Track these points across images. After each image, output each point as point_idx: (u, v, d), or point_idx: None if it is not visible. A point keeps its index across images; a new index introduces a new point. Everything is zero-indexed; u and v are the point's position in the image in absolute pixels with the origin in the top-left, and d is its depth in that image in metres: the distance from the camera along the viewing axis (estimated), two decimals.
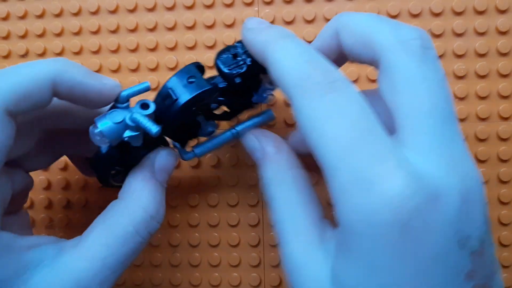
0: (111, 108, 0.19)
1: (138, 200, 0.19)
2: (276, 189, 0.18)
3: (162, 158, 0.21)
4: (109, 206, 0.19)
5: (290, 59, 0.16)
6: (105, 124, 0.18)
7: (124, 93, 0.19)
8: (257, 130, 0.21)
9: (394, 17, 0.25)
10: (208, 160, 0.26)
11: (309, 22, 0.25)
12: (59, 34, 0.27)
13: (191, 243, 0.26)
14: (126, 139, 0.18)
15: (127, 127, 0.18)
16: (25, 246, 0.17)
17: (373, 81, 0.25)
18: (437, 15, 0.25)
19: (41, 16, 0.27)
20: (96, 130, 0.18)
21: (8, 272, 0.17)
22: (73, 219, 0.27)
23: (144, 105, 0.19)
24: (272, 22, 0.25)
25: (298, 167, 0.19)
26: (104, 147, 0.20)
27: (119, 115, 0.18)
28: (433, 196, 0.13)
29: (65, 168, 0.27)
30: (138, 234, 0.19)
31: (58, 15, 0.27)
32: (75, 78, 0.18)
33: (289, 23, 0.26)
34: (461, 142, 0.15)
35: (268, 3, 0.26)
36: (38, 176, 0.26)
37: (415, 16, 0.25)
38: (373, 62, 0.16)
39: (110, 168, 0.21)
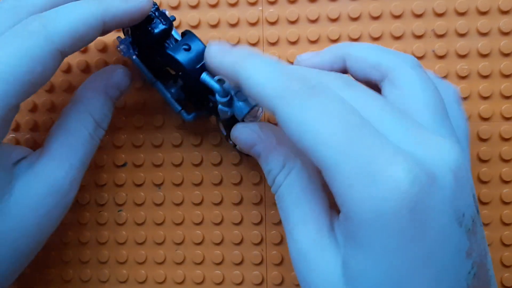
0: None
1: (87, 106, 0.21)
2: (288, 177, 0.18)
3: (117, 76, 0.23)
4: (62, 112, 0.21)
5: (264, 73, 0.16)
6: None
7: None
8: (251, 123, 0.20)
9: (397, 17, 0.25)
10: (210, 158, 0.26)
11: (313, 21, 0.26)
12: None
13: (194, 240, 0.26)
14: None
15: None
16: (15, 159, 0.20)
17: None
18: (440, 15, 0.25)
19: None
20: None
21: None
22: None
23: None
24: (276, 22, 0.26)
25: (302, 154, 0.19)
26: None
27: None
28: (431, 178, 0.14)
29: None
30: (91, 137, 0.21)
31: None
32: (119, 10, 0.20)
33: (292, 22, 0.26)
34: (451, 128, 0.17)
35: (272, 3, 0.26)
36: None
37: (418, 16, 0.25)
38: (378, 81, 0.19)
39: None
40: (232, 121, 0.21)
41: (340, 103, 0.15)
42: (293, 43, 0.26)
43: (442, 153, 0.15)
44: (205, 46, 0.21)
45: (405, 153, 0.14)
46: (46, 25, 0.18)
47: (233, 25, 0.26)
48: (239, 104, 0.20)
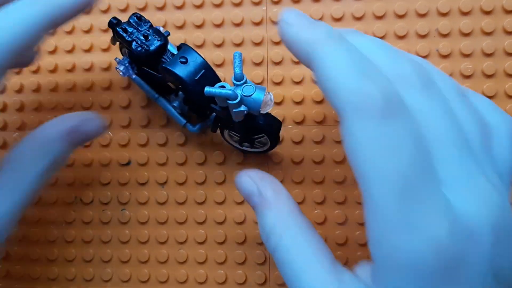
0: None
1: (45, 147, 0.20)
2: (281, 238, 0.17)
3: (89, 125, 0.21)
4: (21, 141, 0.20)
5: (344, 69, 0.14)
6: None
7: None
8: (251, 171, 0.20)
9: (401, 16, 0.25)
10: (214, 157, 0.26)
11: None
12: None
13: (197, 240, 0.26)
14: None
15: None
16: None
17: None
18: (444, 14, 0.25)
19: None
20: None
21: None
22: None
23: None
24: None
25: (299, 211, 0.18)
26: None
27: None
28: (469, 235, 0.13)
29: None
30: (41, 177, 0.20)
31: None
32: (63, 5, 0.19)
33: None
34: (481, 172, 0.15)
35: (276, 3, 0.26)
36: None
37: (422, 15, 0.25)
38: None
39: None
40: (246, 120, 0.21)
41: (414, 135, 0.14)
42: None
43: (483, 205, 0.14)
44: (201, 57, 0.21)
45: (452, 211, 0.14)
46: None
47: (237, 25, 0.26)
48: (250, 99, 0.19)
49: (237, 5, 0.26)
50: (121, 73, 0.23)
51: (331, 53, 0.14)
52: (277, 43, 0.26)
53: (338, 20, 0.25)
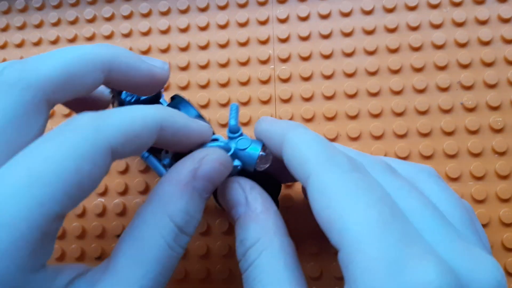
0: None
1: (165, 207, 0.16)
2: (261, 255, 0.15)
3: (208, 164, 0.16)
4: (136, 213, 0.16)
5: (312, 141, 0.15)
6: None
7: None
8: (242, 178, 0.18)
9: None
10: (218, 226, 0.23)
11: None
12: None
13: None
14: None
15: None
16: (64, 283, 0.15)
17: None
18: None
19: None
20: None
21: None
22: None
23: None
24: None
25: (285, 234, 0.16)
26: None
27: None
28: None
29: None
30: (170, 248, 0.15)
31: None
32: (178, 123, 0.16)
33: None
34: (481, 241, 0.15)
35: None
36: None
37: (442, 68, 0.23)
38: None
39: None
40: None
41: (378, 186, 0.14)
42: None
43: (483, 271, 0.13)
44: (194, 109, 0.19)
45: (438, 255, 0.12)
46: (96, 119, 0.14)
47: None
48: (245, 153, 0.17)
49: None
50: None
51: (300, 134, 0.16)
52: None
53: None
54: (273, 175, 0.20)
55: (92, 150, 0.14)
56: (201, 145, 0.17)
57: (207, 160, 0.16)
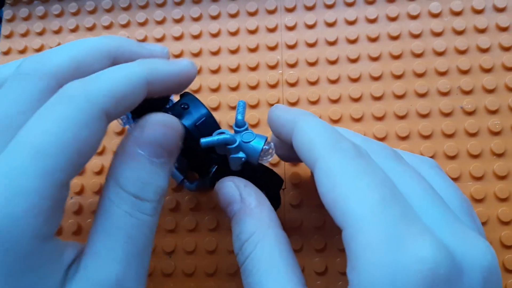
0: None
1: (115, 177, 0.16)
2: (256, 247, 0.16)
3: (150, 128, 0.16)
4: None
5: (320, 127, 0.16)
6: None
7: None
8: (236, 178, 0.19)
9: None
10: (226, 223, 0.24)
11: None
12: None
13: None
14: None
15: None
16: (70, 257, 0.16)
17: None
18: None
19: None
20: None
21: (54, 284, 0.15)
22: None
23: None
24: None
25: (279, 226, 0.17)
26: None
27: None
28: (459, 269, 0.13)
29: None
30: (130, 216, 0.16)
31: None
32: (163, 71, 0.17)
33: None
34: (479, 228, 0.16)
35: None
36: None
37: (442, 74, 0.24)
38: None
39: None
40: (244, 172, 0.19)
41: (380, 170, 0.15)
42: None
43: (476, 252, 0.14)
44: (204, 107, 0.20)
45: (436, 236, 0.13)
46: (86, 86, 0.15)
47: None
48: (249, 145, 0.18)
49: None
50: (121, 122, 0.21)
51: (310, 120, 0.17)
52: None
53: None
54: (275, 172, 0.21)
55: (86, 118, 0.14)
56: (190, 80, 0.19)
57: (148, 124, 0.16)
